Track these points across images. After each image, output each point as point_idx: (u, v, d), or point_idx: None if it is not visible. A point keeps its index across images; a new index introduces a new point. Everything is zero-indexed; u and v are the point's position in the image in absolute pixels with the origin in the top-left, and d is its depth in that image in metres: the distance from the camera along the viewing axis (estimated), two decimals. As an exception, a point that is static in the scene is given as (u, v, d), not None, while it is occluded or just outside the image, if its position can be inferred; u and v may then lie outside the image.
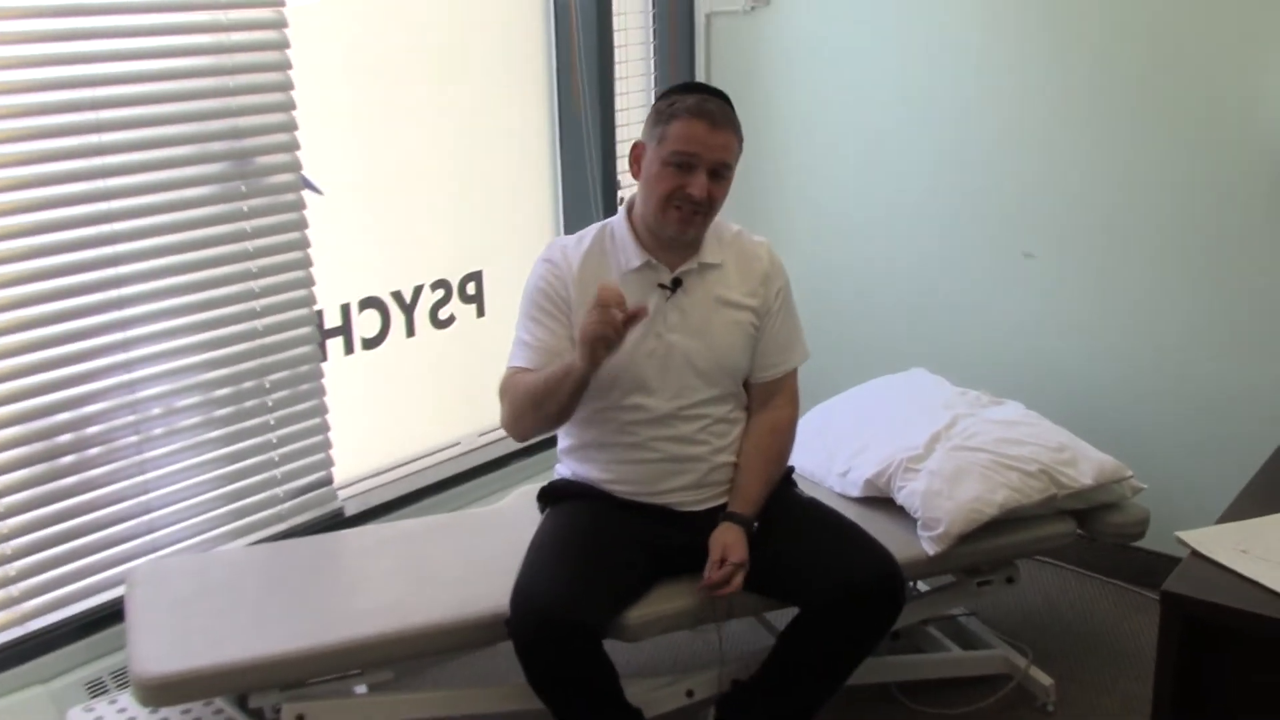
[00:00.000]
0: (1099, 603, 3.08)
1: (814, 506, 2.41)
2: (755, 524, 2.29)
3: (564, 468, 2.44)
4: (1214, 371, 2.93)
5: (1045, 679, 2.64)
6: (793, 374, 2.43)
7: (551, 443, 2.49)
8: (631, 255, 2.27)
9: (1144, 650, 2.83)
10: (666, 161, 2.20)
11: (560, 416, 2.25)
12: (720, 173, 2.22)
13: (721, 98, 2.26)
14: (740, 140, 2.27)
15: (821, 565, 2.22)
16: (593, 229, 2.35)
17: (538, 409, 2.22)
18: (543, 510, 2.42)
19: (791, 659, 2.25)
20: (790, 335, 2.41)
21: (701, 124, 2.18)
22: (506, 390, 2.28)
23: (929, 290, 3.33)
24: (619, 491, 2.33)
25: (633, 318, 2.06)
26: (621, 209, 2.35)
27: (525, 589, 2.13)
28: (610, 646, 2.15)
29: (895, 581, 2.22)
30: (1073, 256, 3.09)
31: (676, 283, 2.29)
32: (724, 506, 2.33)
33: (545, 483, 2.47)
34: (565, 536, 2.26)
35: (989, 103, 3.14)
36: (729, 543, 2.23)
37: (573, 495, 2.37)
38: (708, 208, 2.23)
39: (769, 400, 2.40)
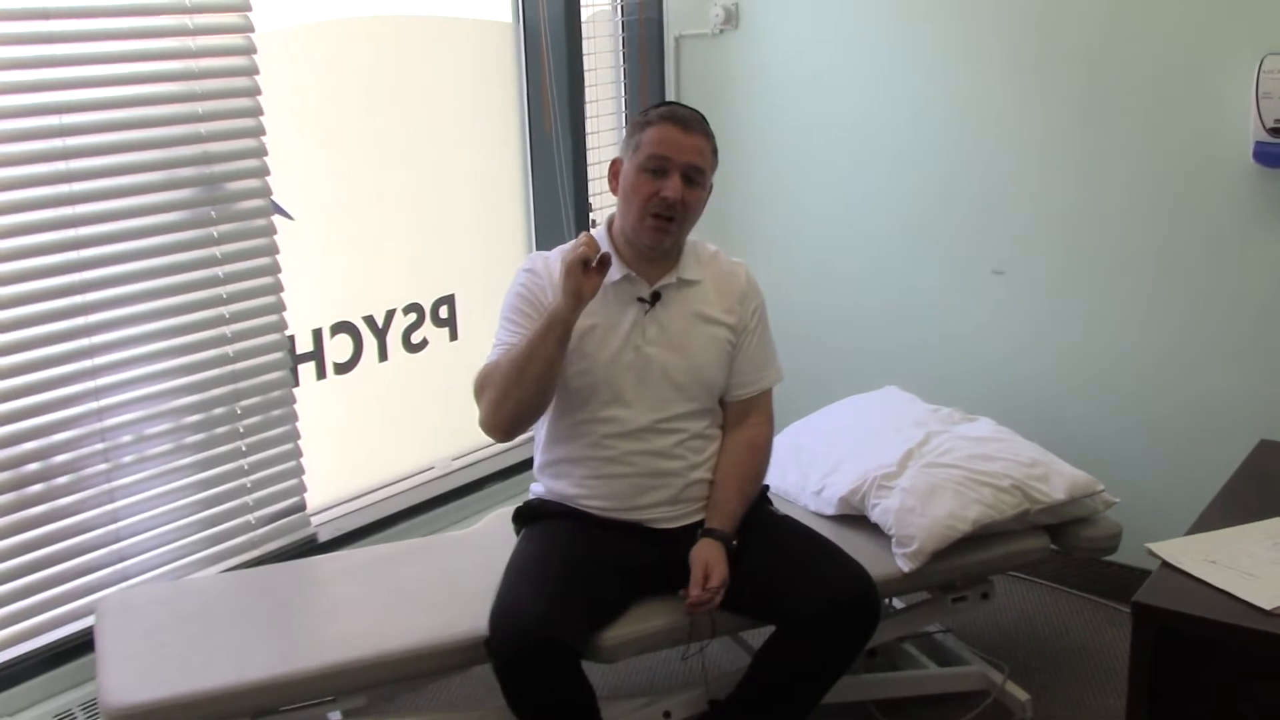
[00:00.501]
0: (1074, 618, 3.09)
1: (789, 524, 2.42)
2: (734, 541, 2.29)
3: (539, 486, 2.44)
4: (1183, 385, 2.96)
5: (1021, 694, 2.64)
6: (768, 393, 2.45)
7: (527, 464, 2.48)
8: (611, 269, 2.28)
9: (1118, 664, 2.84)
10: (642, 167, 2.25)
11: (542, 389, 2.22)
12: (694, 178, 2.26)
13: (695, 112, 2.32)
14: (714, 149, 2.32)
15: (797, 584, 2.22)
16: (572, 244, 2.35)
17: (521, 375, 2.18)
18: (518, 531, 2.42)
19: (768, 678, 2.25)
20: (766, 355, 2.44)
21: (674, 128, 2.25)
22: (486, 378, 2.26)
23: (899, 309, 3.35)
24: (594, 508, 2.33)
25: (604, 262, 2.16)
26: (601, 226, 2.39)
27: (504, 609, 2.12)
28: (586, 668, 2.14)
29: (871, 599, 2.22)
30: (1041, 273, 3.12)
31: (655, 296, 2.32)
32: (701, 523, 2.33)
33: (520, 504, 2.46)
34: (542, 556, 2.25)
35: (956, 121, 3.17)
36: (711, 560, 2.23)
37: (548, 515, 2.37)
38: (683, 213, 2.26)
39: (745, 418, 2.41)
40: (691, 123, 2.27)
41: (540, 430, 2.40)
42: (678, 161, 2.24)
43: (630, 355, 2.29)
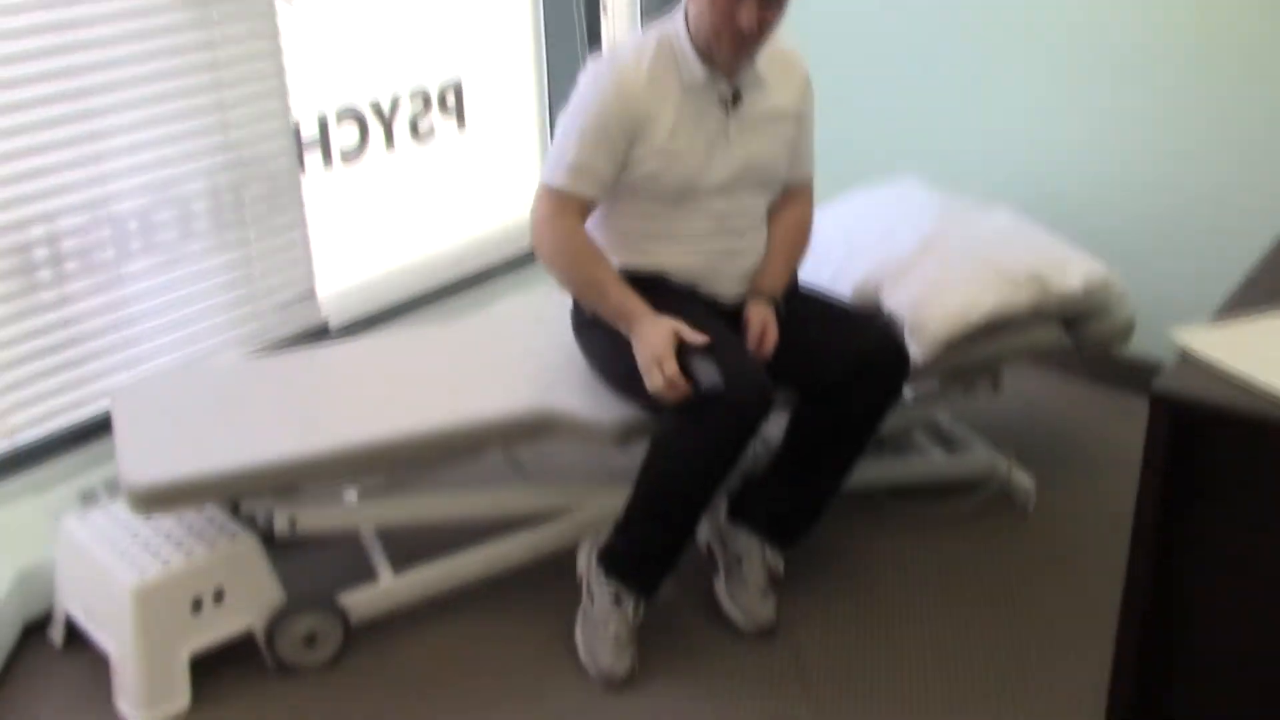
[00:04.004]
0: (1083, 409, 3.11)
1: (813, 294, 2.48)
2: (781, 305, 2.36)
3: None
4: (1204, 180, 2.90)
5: (1027, 481, 2.69)
6: (810, 183, 2.50)
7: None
8: (695, 69, 2.24)
9: (1126, 455, 2.85)
10: None
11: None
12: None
13: None
14: None
15: (828, 343, 2.29)
16: (651, 39, 2.27)
17: (580, 295, 2.31)
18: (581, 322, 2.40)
19: (803, 441, 2.32)
20: (812, 147, 2.48)
21: None
22: (561, 244, 2.25)
23: (916, 94, 3.26)
24: (671, 272, 2.33)
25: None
26: (679, 18, 2.27)
27: (738, 367, 2.12)
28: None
29: (898, 348, 2.31)
30: (1062, 59, 3.01)
31: (736, 96, 2.29)
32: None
33: (534, 295, 2.46)
34: (699, 323, 2.21)
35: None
36: (768, 320, 2.31)
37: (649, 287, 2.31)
38: (759, 35, 2.19)
39: (793, 198, 2.46)
40: None
41: (603, 212, 2.34)
42: None
43: (715, 155, 2.28)
